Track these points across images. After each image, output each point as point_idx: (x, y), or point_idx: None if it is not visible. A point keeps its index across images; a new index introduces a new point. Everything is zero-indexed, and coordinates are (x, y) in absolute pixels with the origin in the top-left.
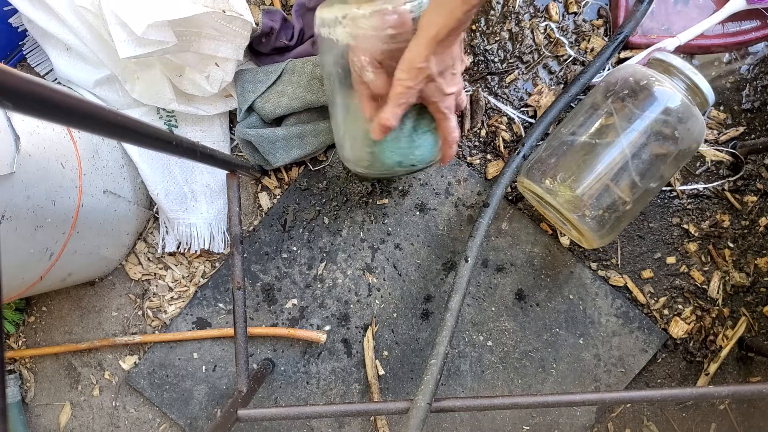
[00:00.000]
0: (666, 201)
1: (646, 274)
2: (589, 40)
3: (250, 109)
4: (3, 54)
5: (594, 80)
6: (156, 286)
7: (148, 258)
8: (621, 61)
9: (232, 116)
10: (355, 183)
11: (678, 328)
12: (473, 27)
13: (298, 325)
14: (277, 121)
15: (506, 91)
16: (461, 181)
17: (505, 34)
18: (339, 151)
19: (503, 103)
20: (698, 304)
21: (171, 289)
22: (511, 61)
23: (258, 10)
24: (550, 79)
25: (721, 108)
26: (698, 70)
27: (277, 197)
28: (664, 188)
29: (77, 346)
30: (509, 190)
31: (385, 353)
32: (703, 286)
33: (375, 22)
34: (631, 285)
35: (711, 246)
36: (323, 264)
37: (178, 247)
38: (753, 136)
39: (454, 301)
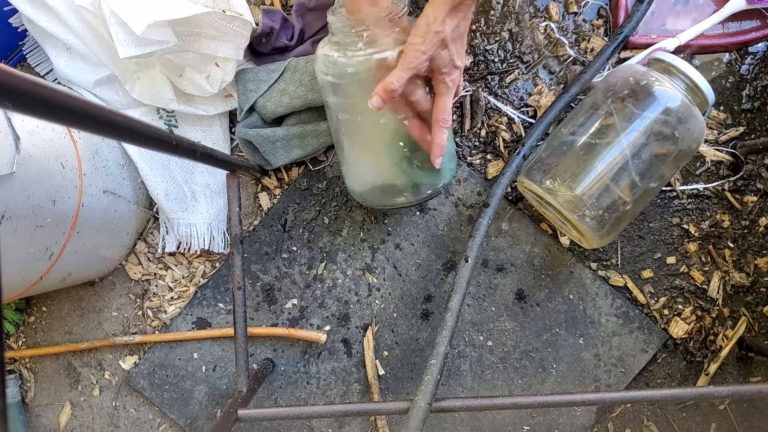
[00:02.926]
0: (666, 201)
1: (646, 274)
2: (589, 40)
3: (251, 109)
4: (3, 54)
5: (594, 80)
6: (156, 286)
7: (148, 258)
8: (621, 61)
9: (232, 116)
10: None
11: (678, 328)
12: (473, 27)
13: (298, 325)
14: (278, 121)
15: (506, 91)
16: (461, 181)
17: (505, 34)
18: (357, 186)
19: (503, 103)
20: (698, 304)
21: (171, 289)
22: (511, 61)
23: (258, 10)
24: (550, 79)
25: (721, 108)
26: (698, 70)
27: (277, 197)
28: (664, 188)
29: (77, 346)
30: (509, 190)
31: (385, 353)
32: (703, 286)
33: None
34: (631, 285)
35: (711, 246)
36: (323, 264)
37: (178, 247)
38: (753, 136)
39: (454, 301)
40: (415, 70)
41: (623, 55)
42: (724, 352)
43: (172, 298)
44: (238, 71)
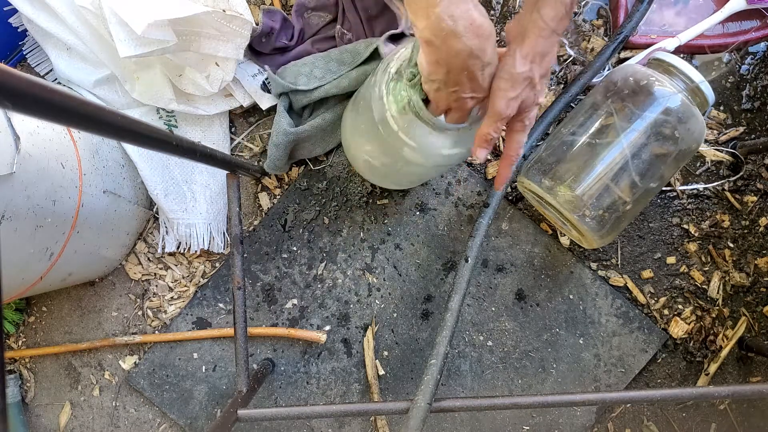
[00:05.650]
0: (666, 201)
1: (646, 274)
2: (589, 40)
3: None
4: (3, 54)
5: (594, 80)
6: (156, 286)
7: (148, 258)
8: (621, 61)
9: (232, 116)
10: (355, 183)
11: (678, 328)
12: None
13: (298, 325)
14: (300, 114)
15: None
16: (461, 181)
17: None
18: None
19: None
20: (698, 304)
21: (171, 289)
22: None
23: (258, 10)
24: (550, 79)
25: (721, 108)
26: (698, 70)
27: (277, 197)
28: (664, 188)
29: (77, 346)
30: (509, 190)
31: (385, 353)
32: (703, 286)
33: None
34: (631, 285)
35: (711, 246)
36: (323, 264)
37: (178, 247)
38: (753, 136)
39: (454, 301)
40: (506, 117)
41: (623, 55)
42: (724, 352)
43: (172, 298)
44: (302, 61)
